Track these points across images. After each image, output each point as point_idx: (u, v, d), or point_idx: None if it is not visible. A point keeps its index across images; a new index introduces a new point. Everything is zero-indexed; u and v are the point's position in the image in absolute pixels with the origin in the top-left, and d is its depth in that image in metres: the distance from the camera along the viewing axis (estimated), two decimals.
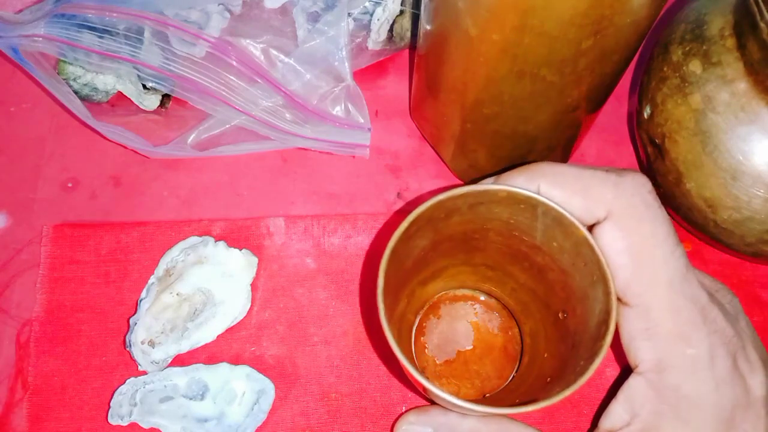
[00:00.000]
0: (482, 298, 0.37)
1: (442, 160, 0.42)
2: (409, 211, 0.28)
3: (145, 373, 0.36)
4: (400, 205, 0.42)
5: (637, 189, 0.29)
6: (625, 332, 0.29)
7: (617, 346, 0.31)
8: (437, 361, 0.36)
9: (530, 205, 0.28)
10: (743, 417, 0.28)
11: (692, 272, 0.29)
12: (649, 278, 0.28)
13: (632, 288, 0.28)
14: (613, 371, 0.37)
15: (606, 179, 0.29)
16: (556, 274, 0.31)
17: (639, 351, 0.29)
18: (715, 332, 0.29)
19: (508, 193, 0.28)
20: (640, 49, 0.32)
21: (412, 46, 0.45)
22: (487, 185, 0.28)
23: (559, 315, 0.31)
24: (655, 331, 0.28)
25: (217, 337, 0.37)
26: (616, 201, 0.28)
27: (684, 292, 0.28)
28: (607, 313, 0.27)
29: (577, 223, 0.28)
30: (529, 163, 0.31)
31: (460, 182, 0.42)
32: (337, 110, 0.41)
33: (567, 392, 0.25)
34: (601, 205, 0.28)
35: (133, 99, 0.42)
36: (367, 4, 0.41)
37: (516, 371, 0.36)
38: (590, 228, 0.29)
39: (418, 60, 0.38)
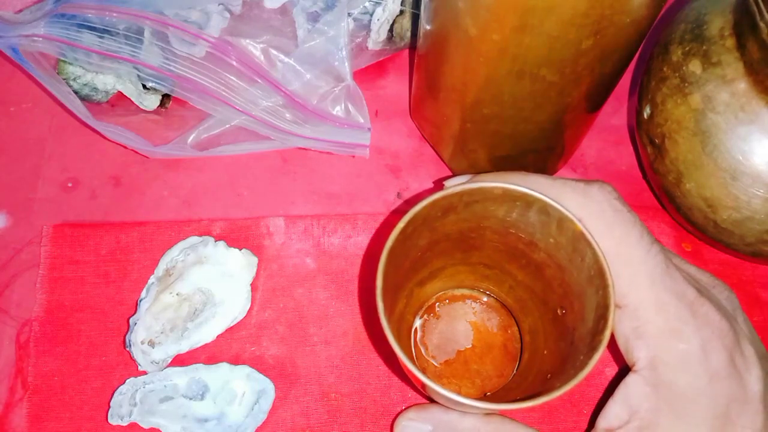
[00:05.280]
0: (481, 297, 0.37)
1: (442, 160, 0.42)
2: (407, 211, 0.28)
3: (145, 373, 0.36)
4: (400, 205, 0.42)
5: (605, 196, 0.30)
6: (619, 333, 0.30)
7: (614, 347, 0.31)
8: (437, 362, 0.36)
9: (526, 201, 0.28)
10: (740, 412, 0.28)
11: (674, 269, 0.30)
12: (629, 278, 0.29)
13: (616, 289, 0.28)
14: (612, 370, 0.37)
15: (575, 188, 0.30)
16: (553, 270, 0.31)
17: (634, 350, 0.29)
18: (708, 327, 0.29)
19: (504, 190, 0.28)
20: (640, 49, 0.32)
21: (412, 46, 0.45)
22: (483, 182, 0.28)
23: (558, 311, 0.31)
24: (645, 329, 0.29)
25: (217, 337, 0.37)
26: (586, 208, 0.29)
27: (668, 288, 0.29)
28: (605, 307, 0.27)
29: (573, 218, 0.28)
30: (516, 169, 0.31)
31: None
32: (337, 110, 0.41)
33: (566, 387, 0.25)
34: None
35: (133, 99, 0.42)
36: (367, 4, 0.41)
37: (516, 369, 0.36)
38: None
39: (418, 60, 0.38)
